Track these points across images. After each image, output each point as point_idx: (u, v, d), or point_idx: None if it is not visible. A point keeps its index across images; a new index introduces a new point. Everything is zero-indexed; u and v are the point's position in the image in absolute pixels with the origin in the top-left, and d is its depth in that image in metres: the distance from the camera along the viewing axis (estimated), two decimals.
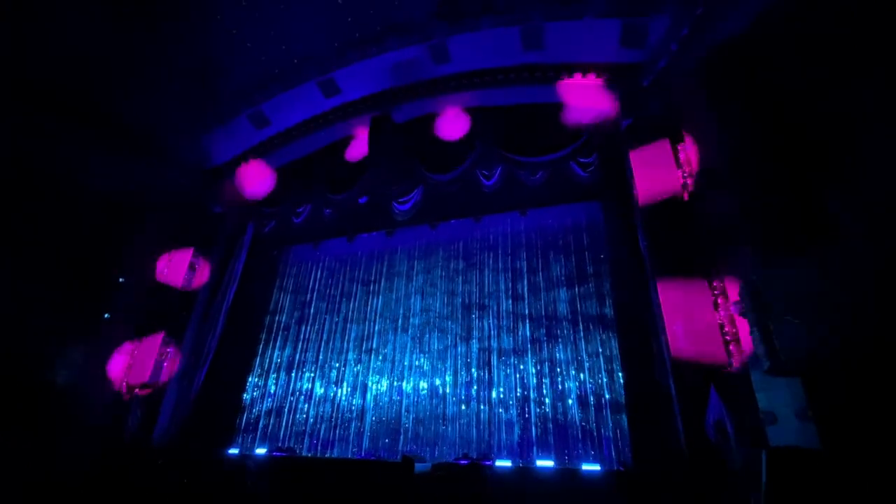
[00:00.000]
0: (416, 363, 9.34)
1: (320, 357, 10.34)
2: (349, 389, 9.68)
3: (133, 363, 9.01)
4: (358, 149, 9.30)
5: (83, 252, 8.85)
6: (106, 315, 9.21)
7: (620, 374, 7.65)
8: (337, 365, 10.08)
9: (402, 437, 8.70)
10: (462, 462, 7.34)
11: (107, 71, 7.72)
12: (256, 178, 10.01)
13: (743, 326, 5.18)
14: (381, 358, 9.74)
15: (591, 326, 8.30)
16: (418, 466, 6.71)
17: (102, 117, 8.24)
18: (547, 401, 8.01)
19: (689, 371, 5.77)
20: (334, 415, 9.51)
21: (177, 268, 9.84)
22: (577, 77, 7.81)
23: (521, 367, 8.46)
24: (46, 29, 6.93)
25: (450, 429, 8.42)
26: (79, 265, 8.81)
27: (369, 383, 9.55)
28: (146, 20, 7.21)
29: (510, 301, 9.12)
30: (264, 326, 11.30)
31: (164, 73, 8.08)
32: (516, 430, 7.97)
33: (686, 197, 6.54)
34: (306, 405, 9.89)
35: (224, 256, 10.54)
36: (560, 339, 8.41)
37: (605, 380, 7.80)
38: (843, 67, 4.01)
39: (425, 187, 9.37)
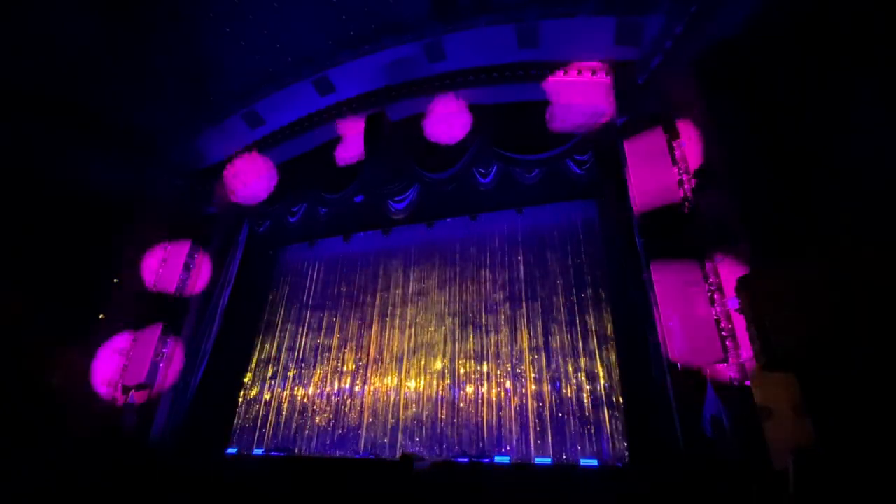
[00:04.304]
0: (414, 361, 9.35)
1: (318, 356, 10.33)
2: (347, 388, 9.68)
3: (129, 364, 8.96)
4: (353, 147, 9.29)
5: (77, 252, 8.79)
6: (101, 315, 9.15)
7: (617, 371, 7.70)
8: (334, 364, 10.07)
9: (400, 435, 8.71)
10: (461, 460, 7.38)
11: (98, 71, 7.65)
12: (251, 177, 9.97)
13: (739, 322, 5.23)
14: (378, 356, 9.74)
15: (587, 323, 8.34)
16: (417, 465, 6.72)
17: (95, 118, 8.17)
18: (544, 398, 8.05)
19: (685, 367, 5.83)
20: (332, 413, 9.51)
21: (172, 268, 9.79)
22: (573, 75, 7.82)
23: (519, 363, 8.49)
24: (38, 28, 6.85)
25: (448, 427, 8.45)
26: (73, 266, 8.75)
27: (367, 381, 9.56)
28: (139, 19, 7.14)
29: (507, 299, 9.14)
30: (261, 326, 11.27)
31: (157, 73, 8.02)
32: (514, 428, 8.00)
33: (682, 195, 6.58)
34: (304, 404, 9.88)
35: (219, 256, 10.50)
36: (557, 336, 8.45)
37: (602, 376, 7.84)
38: (839, 65, 4.04)
39: (421, 186, 9.36)
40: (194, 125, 9.22)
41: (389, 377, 9.41)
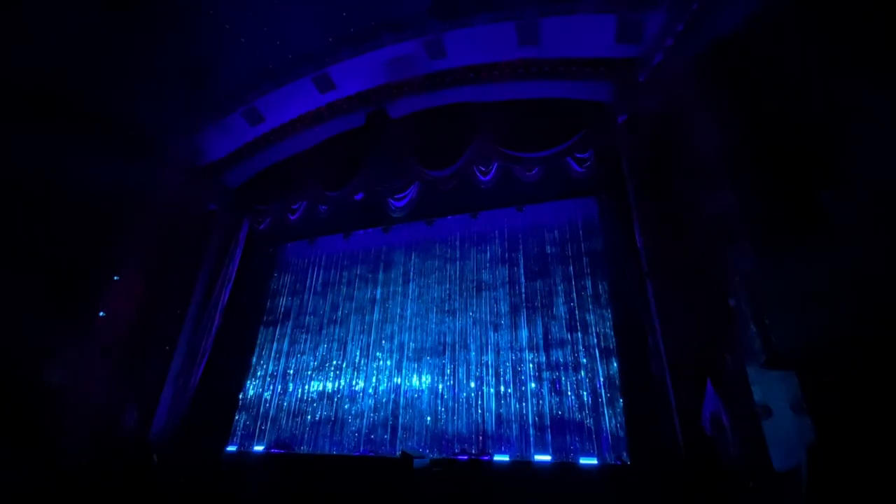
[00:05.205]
0: (414, 359, 9.34)
1: (317, 353, 10.33)
2: (347, 385, 9.68)
3: (129, 361, 8.96)
4: (353, 145, 9.30)
5: (76, 250, 8.77)
6: (101, 313, 9.15)
7: (617, 369, 7.69)
8: (335, 361, 10.07)
9: (400, 433, 8.71)
10: (460, 457, 7.39)
11: (98, 68, 7.63)
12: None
13: (739, 320, 5.22)
14: (378, 354, 9.73)
15: (587, 321, 8.33)
16: (417, 462, 6.75)
17: (94, 116, 8.15)
18: (544, 395, 8.05)
19: (685, 365, 5.83)
20: (332, 411, 9.51)
21: (172, 265, 9.80)
22: (573, 72, 7.81)
23: (518, 362, 8.48)
24: (36, 27, 6.83)
25: (448, 424, 8.45)
26: (72, 263, 8.74)
27: (367, 379, 9.56)
28: (137, 16, 7.12)
29: (507, 296, 9.13)
30: (261, 323, 11.26)
31: (156, 70, 7.98)
32: (514, 425, 8.01)
33: (681, 191, 6.57)
34: (304, 402, 9.89)
35: (219, 254, 10.51)
36: (557, 334, 8.44)
37: (602, 374, 7.84)
38: (842, 62, 4.03)
39: (421, 183, 9.36)
40: (193, 122, 9.21)
41: (389, 374, 9.41)
